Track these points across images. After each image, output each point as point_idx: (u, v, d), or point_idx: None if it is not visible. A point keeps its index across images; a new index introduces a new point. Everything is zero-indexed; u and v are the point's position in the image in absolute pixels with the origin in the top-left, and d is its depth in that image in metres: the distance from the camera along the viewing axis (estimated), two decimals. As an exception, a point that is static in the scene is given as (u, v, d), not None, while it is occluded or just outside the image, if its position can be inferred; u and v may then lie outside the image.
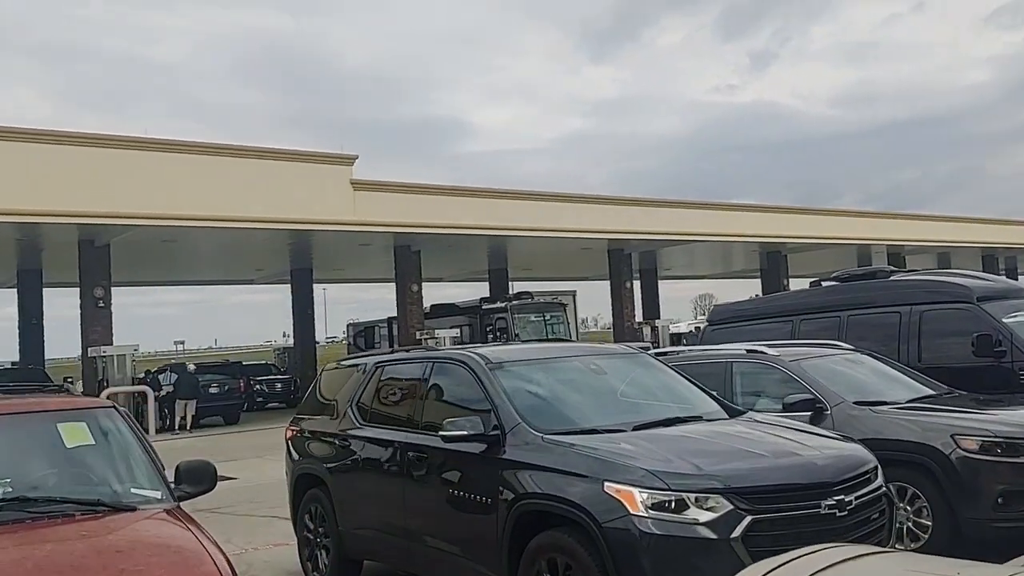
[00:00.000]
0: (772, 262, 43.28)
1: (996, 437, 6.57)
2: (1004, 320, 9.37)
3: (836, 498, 4.69)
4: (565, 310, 31.20)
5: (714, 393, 6.53)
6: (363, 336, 36.23)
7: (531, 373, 6.10)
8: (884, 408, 7.27)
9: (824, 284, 11.51)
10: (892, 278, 10.71)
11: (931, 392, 8.08)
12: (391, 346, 33.69)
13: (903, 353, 9.92)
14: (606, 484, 4.71)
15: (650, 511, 4.55)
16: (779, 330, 11.19)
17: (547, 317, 30.64)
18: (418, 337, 28.98)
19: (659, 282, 50.13)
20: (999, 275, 51.55)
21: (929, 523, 6.77)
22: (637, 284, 45.04)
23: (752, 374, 8.31)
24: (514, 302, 30.24)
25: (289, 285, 36.01)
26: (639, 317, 40.91)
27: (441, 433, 5.61)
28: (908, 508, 6.89)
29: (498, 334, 30.13)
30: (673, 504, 4.55)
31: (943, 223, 48.40)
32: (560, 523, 4.91)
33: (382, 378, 7.05)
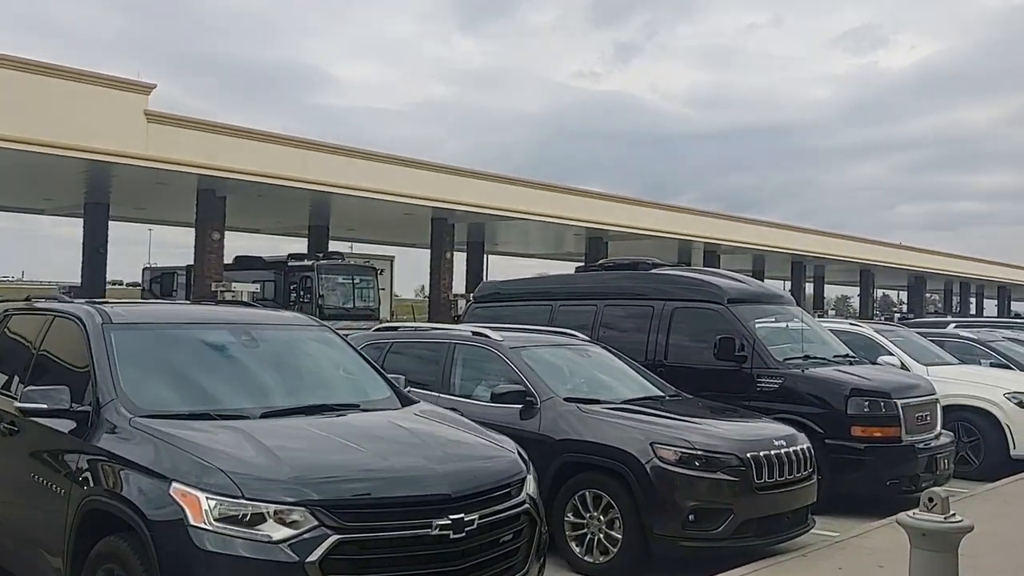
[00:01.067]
0: (593, 247, 43.62)
1: (695, 449, 6.07)
2: (750, 324, 9.08)
3: (453, 517, 3.92)
4: (377, 275, 30.04)
5: (393, 377, 5.70)
6: (159, 282, 33.84)
7: (158, 338, 5.08)
8: (595, 407, 6.66)
9: (589, 271, 10.98)
10: (653, 271, 10.28)
11: (656, 393, 7.60)
12: (187, 296, 31.67)
13: (651, 349, 9.50)
14: (173, 485, 3.78)
15: (216, 523, 3.66)
16: (540, 313, 10.59)
17: (356, 281, 29.46)
18: (213, 289, 27.15)
19: (488, 256, 49.78)
20: (806, 280, 54.08)
21: (620, 536, 6.21)
22: (464, 256, 44.67)
23: (474, 359, 7.58)
24: (322, 261, 28.81)
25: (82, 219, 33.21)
26: (459, 289, 40.36)
27: (16, 405, 4.53)
28: (601, 518, 6.31)
29: (302, 294, 28.69)
30: (247, 517, 3.68)
31: (760, 227, 50.33)
32: (123, 528, 3.94)
33: (6, 330, 5.84)
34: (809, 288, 70.05)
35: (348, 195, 32.56)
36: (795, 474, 6.46)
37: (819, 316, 47.94)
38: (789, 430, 6.88)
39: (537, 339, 7.85)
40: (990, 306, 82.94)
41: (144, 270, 36.58)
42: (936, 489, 4.07)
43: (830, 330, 11.95)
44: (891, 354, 11.33)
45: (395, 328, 8.94)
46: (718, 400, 8.58)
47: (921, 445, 8.55)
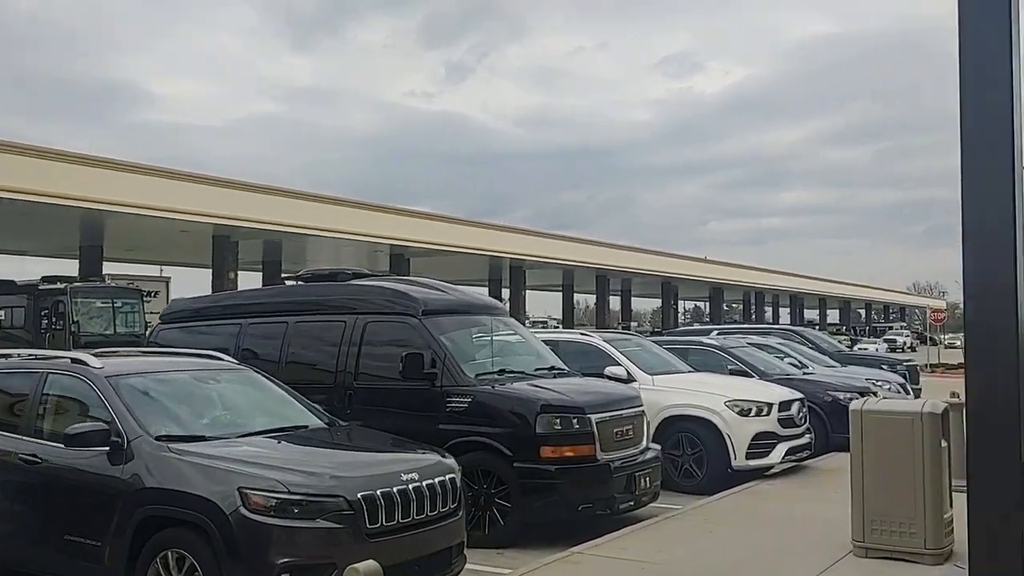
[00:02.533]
0: (396, 265, 42.50)
1: (291, 493, 4.98)
2: (442, 338, 8.18)
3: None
4: (143, 298, 27.59)
5: None
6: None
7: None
8: (189, 446, 5.46)
9: (288, 283, 9.81)
10: (351, 282, 9.23)
11: (299, 424, 6.47)
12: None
13: (340, 369, 8.46)
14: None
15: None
16: (229, 333, 9.34)
17: (118, 304, 26.92)
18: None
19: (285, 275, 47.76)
20: (609, 294, 55.04)
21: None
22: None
23: (69, 392, 6.20)
24: (76, 284, 26.19)
25: None
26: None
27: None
28: (187, 583, 5.15)
29: (54, 320, 25.91)
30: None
31: (567, 243, 50.87)
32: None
33: None
34: (617, 302, 71.93)
35: (116, 212, 30.26)
36: (429, 512, 5.51)
37: (622, 328, 49.03)
38: (432, 459, 5.95)
39: (157, 365, 6.60)
40: (784, 315, 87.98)
41: None
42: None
43: (557, 341, 11.37)
44: (618, 364, 10.79)
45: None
46: (408, 424, 7.71)
47: (619, 463, 7.89)
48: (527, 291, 76.60)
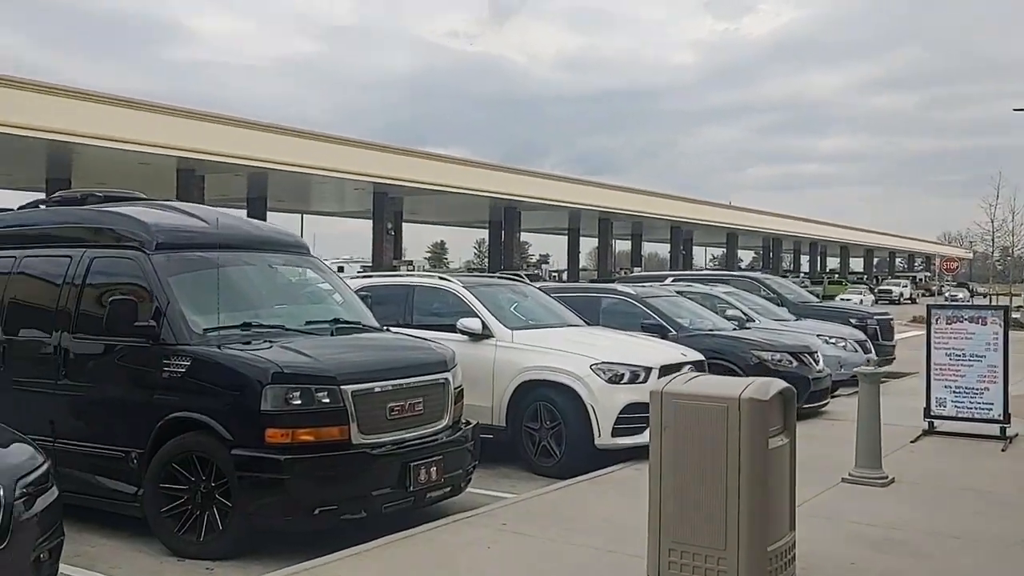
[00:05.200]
0: (378, 204, 40.57)
1: None
2: (173, 279, 6.26)
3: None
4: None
5: None
6: None
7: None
8: None
9: (42, 206, 7.86)
10: (85, 207, 7.28)
11: None
12: None
13: (57, 320, 6.59)
14: None
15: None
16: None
17: None
18: None
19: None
20: (613, 238, 52.83)
21: None
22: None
23: None
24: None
25: None
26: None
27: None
28: None
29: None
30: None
31: (567, 184, 48.64)
32: None
33: None
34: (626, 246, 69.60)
35: (81, 143, 28.75)
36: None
37: (623, 272, 46.66)
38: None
39: None
40: (805, 263, 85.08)
41: None
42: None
43: (411, 286, 9.47)
44: (476, 315, 8.82)
45: None
46: (120, 393, 6.17)
47: (389, 449, 5.96)
48: (530, 233, 74.65)
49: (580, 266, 63.51)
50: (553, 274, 61.76)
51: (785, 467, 4.72)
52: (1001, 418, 9.15)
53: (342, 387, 5.76)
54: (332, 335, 6.61)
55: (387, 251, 39.86)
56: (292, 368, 5.73)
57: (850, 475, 7.39)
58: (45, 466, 4.23)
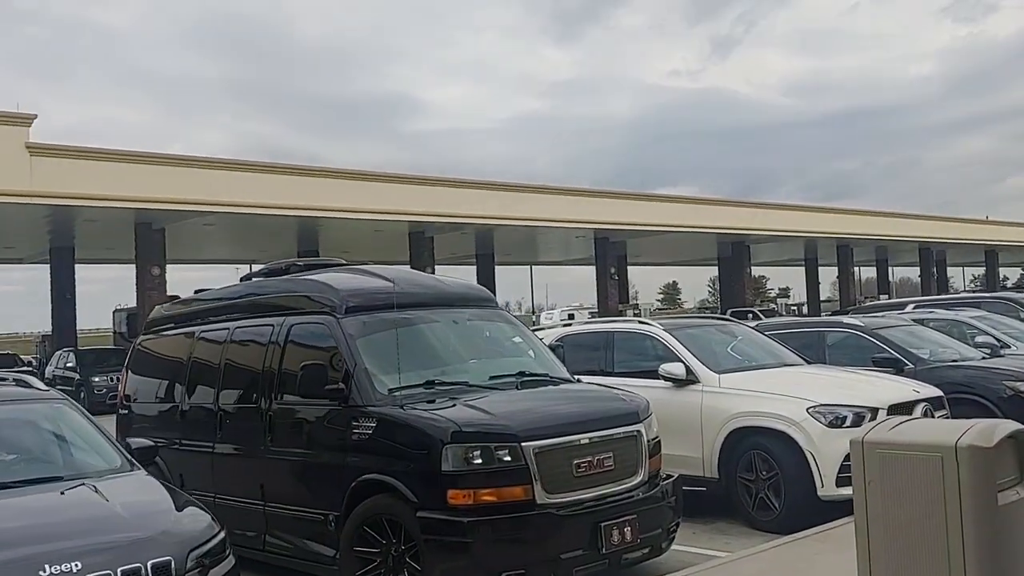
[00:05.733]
0: (600, 248, 40.55)
1: None
2: (359, 342, 6.36)
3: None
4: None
5: None
6: (128, 323, 32.40)
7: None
8: None
9: (255, 278, 8.33)
10: (288, 276, 7.61)
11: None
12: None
13: (264, 385, 6.90)
14: None
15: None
16: (182, 344, 8.11)
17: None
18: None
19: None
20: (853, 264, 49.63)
21: None
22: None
23: None
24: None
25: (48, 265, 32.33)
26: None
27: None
28: None
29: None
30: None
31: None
32: None
33: None
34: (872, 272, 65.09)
35: (320, 217, 30.97)
36: None
37: (870, 299, 43.45)
38: None
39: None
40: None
41: (114, 313, 35.34)
42: None
43: (608, 332, 9.18)
44: (679, 359, 8.36)
45: None
46: (317, 457, 6.37)
47: (576, 509, 5.64)
48: (765, 267, 71.68)
49: (823, 297, 60.15)
50: (792, 308, 58.97)
51: (1016, 526, 3.92)
52: None
53: (523, 444, 5.53)
54: (518, 388, 6.43)
55: (612, 296, 39.63)
56: (472, 426, 5.58)
57: None
58: (221, 535, 4.30)
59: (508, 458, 5.51)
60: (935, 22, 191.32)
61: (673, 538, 6.34)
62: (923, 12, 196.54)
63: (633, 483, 6.04)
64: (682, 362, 8.30)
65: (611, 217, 38.42)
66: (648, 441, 6.25)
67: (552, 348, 7.72)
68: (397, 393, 6.04)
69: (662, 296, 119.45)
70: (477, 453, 5.49)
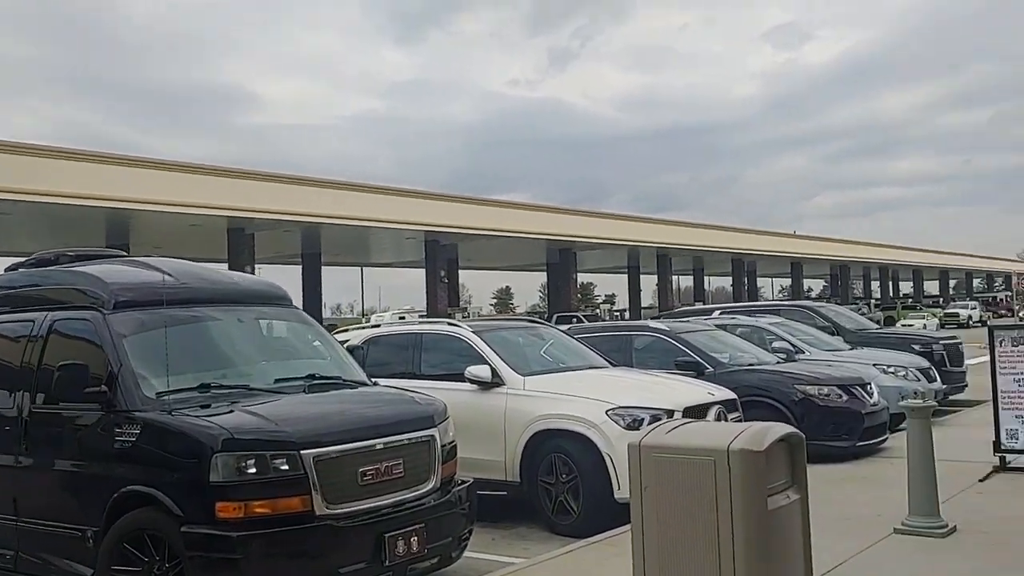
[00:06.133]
0: (430, 251, 40.34)
1: None
2: (131, 340, 5.78)
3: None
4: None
5: None
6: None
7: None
8: None
9: (20, 268, 7.47)
10: (55, 266, 6.89)
11: None
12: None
13: (20, 386, 6.18)
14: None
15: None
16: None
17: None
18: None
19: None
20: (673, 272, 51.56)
21: None
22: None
23: None
24: None
25: None
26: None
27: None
28: None
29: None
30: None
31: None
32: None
33: None
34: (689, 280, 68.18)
35: (131, 209, 29.08)
36: None
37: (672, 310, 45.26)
38: None
39: None
40: (877, 289, 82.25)
41: None
42: None
43: (425, 334, 8.94)
44: (485, 362, 8.19)
45: None
46: (82, 467, 5.69)
47: (361, 520, 5.31)
48: (593, 273, 73.83)
49: (645, 304, 62.36)
50: (615, 314, 60.77)
51: (795, 529, 3.93)
52: (1083, 450, 8.10)
53: (302, 452, 5.15)
54: (305, 392, 6.02)
55: (441, 298, 39.50)
56: (246, 433, 5.14)
57: (903, 524, 6.48)
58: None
59: (285, 467, 5.11)
60: (757, 47, 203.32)
61: (465, 546, 6.11)
62: (747, 36, 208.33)
63: (423, 490, 5.76)
64: (488, 364, 8.13)
65: (442, 219, 38.30)
66: (443, 446, 6.00)
67: (352, 350, 7.39)
68: (167, 397, 5.51)
69: (495, 301, 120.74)
70: (251, 462, 5.06)
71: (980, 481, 8.11)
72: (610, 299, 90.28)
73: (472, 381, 8.09)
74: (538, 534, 7.59)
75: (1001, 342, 8.49)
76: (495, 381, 8.05)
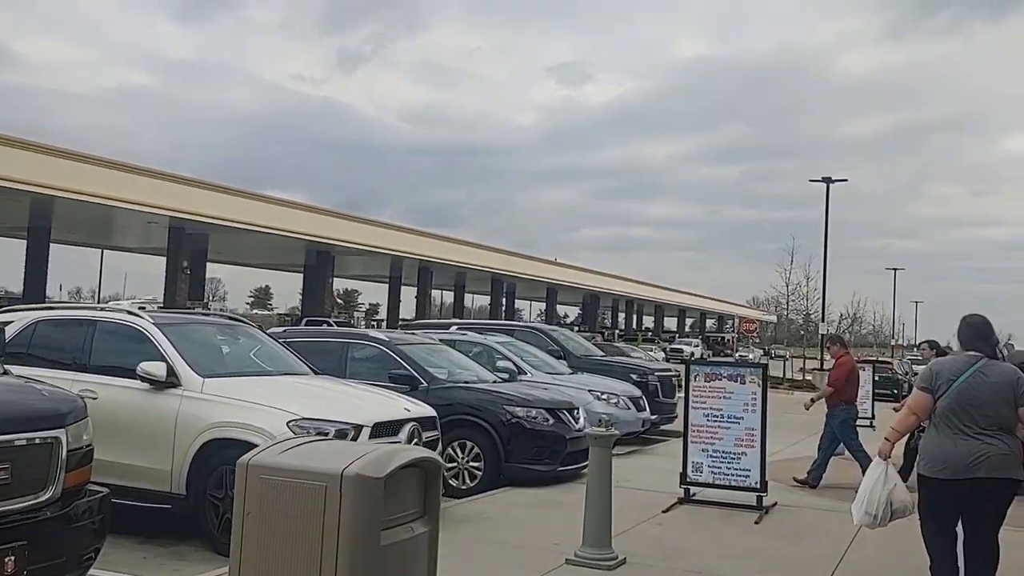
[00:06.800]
0: (174, 239, 37.83)
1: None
2: None
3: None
4: None
5: None
6: None
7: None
8: None
9: None
10: None
11: None
12: None
13: None
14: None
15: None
16: None
17: None
18: None
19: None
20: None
21: None
22: None
23: None
24: None
25: None
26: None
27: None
28: None
29: None
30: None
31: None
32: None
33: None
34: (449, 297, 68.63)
35: None
36: None
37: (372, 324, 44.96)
38: None
39: None
40: (623, 321, 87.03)
41: None
42: None
43: (83, 319, 7.95)
44: (162, 358, 7.35)
45: None
46: None
47: (-64, 534, 4.38)
48: (355, 280, 72.67)
49: (407, 316, 62.05)
50: (372, 323, 60.06)
51: (418, 565, 3.53)
52: (758, 486, 8.47)
53: None
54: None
55: (182, 290, 37.05)
56: None
57: (576, 555, 6.36)
58: None
59: None
60: (540, 79, 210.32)
61: (88, 566, 5.27)
62: (532, 68, 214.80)
63: (35, 502, 4.89)
64: (165, 361, 7.28)
65: (191, 207, 36.01)
66: (73, 451, 5.15)
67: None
68: None
69: (252, 299, 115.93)
70: None
71: (663, 512, 8.25)
72: (374, 308, 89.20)
73: (144, 379, 7.21)
74: (199, 554, 6.82)
75: (696, 377, 8.74)
76: (170, 381, 7.21)
